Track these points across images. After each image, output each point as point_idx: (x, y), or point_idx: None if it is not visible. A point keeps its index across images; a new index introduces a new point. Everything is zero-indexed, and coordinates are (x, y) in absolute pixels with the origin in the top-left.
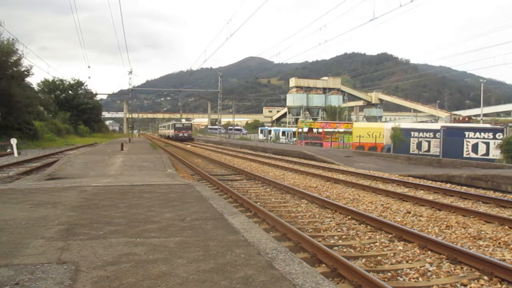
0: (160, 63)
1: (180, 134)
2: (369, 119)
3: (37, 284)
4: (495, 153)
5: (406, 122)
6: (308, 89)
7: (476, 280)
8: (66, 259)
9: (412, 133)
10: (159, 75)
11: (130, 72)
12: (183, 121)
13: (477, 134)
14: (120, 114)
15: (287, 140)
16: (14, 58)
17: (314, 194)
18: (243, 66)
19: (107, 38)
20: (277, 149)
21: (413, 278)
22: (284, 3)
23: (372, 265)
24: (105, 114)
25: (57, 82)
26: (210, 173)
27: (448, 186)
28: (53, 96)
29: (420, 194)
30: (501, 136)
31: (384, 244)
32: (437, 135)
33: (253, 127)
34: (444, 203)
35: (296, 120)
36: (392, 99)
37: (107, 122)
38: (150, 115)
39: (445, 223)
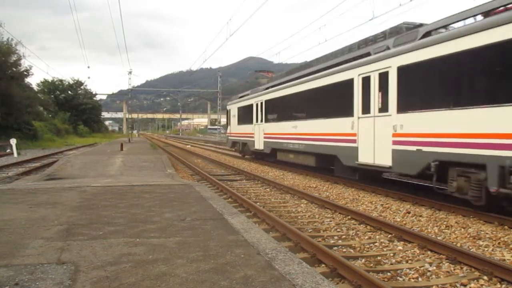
0: (160, 63)
1: None
2: None
3: (37, 284)
4: None
5: None
6: None
7: (475, 280)
8: (65, 259)
9: None
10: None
11: (130, 72)
12: None
13: None
14: (119, 114)
15: None
16: (14, 59)
17: (314, 194)
18: (243, 66)
19: (106, 38)
20: None
21: (413, 278)
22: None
23: (372, 265)
24: (105, 114)
25: (57, 83)
26: (210, 173)
27: None
28: (52, 96)
29: (420, 194)
30: None
31: (384, 244)
32: None
33: None
34: (444, 203)
35: None
36: None
37: (107, 123)
38: (149, 115)
39: (445, 223)
